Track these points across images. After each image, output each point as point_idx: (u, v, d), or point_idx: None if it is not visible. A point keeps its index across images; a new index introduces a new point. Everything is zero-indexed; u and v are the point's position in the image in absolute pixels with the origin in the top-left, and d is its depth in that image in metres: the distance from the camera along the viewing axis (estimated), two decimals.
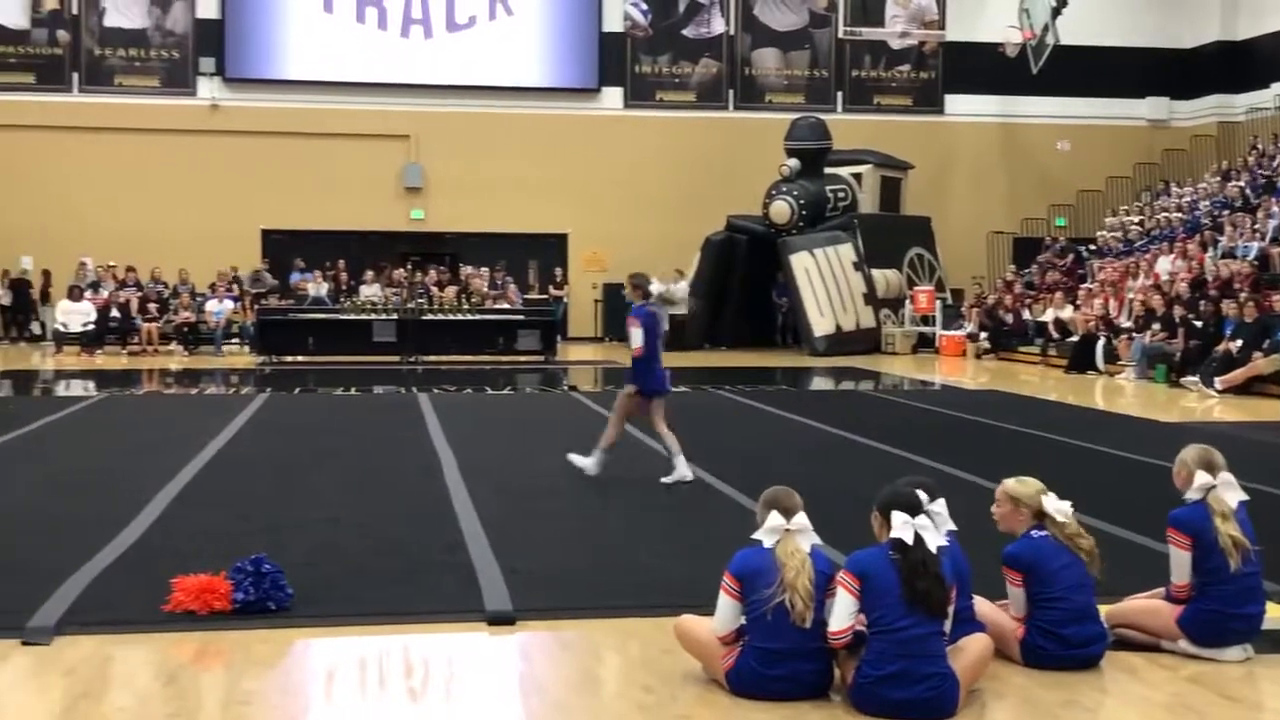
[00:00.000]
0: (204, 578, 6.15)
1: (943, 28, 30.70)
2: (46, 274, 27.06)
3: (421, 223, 29.31)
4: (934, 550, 4.89)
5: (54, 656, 5.52)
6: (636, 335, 9.87)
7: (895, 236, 27.40)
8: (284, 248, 28.31)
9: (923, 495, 5.07)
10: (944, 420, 14.62)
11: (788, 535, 5.05)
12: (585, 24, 29.68)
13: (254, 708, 5.00)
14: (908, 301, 26.62)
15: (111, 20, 28.31)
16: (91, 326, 24.63)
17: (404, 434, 12.83)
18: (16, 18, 27.98)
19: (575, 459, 10.04)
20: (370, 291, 26.11)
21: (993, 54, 29.55)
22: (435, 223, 29.31)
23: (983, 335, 25.06)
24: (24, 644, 5.64)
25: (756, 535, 5.10)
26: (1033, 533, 5.51)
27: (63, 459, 11.09)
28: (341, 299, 25.72)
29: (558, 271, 29.45)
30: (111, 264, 26.59)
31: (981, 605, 5.44)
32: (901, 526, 4.91)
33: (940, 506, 5.12)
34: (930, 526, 4.96)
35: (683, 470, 9.76)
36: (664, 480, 9.71)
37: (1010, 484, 5.63)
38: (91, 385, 18.64)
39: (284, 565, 6.28)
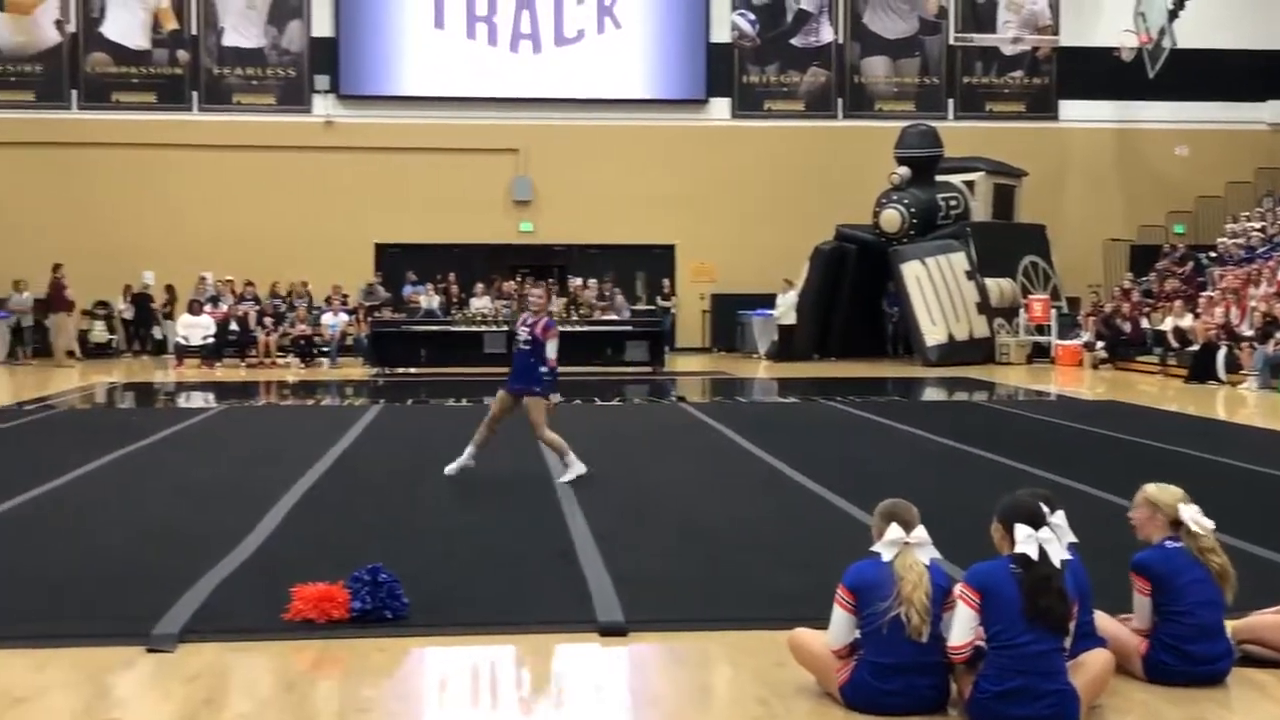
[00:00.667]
0: (322, 587, 6.23)
1: (1056, 32, 30.27)
2: (169, 288, 27.71)
3: (530, 235, 29.54)
4: (1058, 564, 4.80)
5: (177, 663, 5.63)
6: (555, 346, 10.23)
7: (1009, 244, 27.00)
8: (396, 261, 28.70)
9: (1045, 508, 4.98)
10: (1060, 431, 14.37)
11: (906, 548, 4.98)
12: (693, 35, 29.72)
13: (371, 715, 5.06)
14: (1022, 310, 26.21)
15: (230, 40, 28.96)
16: (211, 340, 25.17)
17: (515, 444, 12.89)
18: (138, 39, 28.74)
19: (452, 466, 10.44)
20: (480, 304, 26.36)
21: (1108, 58, 29.03)
22: (544, 235, 29.52)
23: (1099, 344, 24.61)
24: (149, 651, 5.75)
25: (875, 548, 5.03)
26: (1167, 542, 5.38)
27: (185, 470, 11.31)
28: (452, 311, 26.00)
29: (665, 282, 29.48)
30: (230, 278, 27.15)
31: (1102, 620, 5.33)
32: (1025, 540, 4.81)
33: (1060, 519, 5.02)
34: (1053, 539, 4.87)
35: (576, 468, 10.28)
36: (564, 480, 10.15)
37: (1150, 489, 5.51)
38: (211, 397, 19.03)
39: (400, 574, 6.34)
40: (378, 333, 24.19)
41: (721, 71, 29.81)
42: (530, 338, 10.23)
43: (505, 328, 23.47)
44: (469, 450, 10.40)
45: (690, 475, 10.99)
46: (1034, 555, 4.79)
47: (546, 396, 10.25)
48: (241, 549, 7.71)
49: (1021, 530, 4.84)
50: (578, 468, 10.23)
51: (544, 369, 10.16)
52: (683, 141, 29.37)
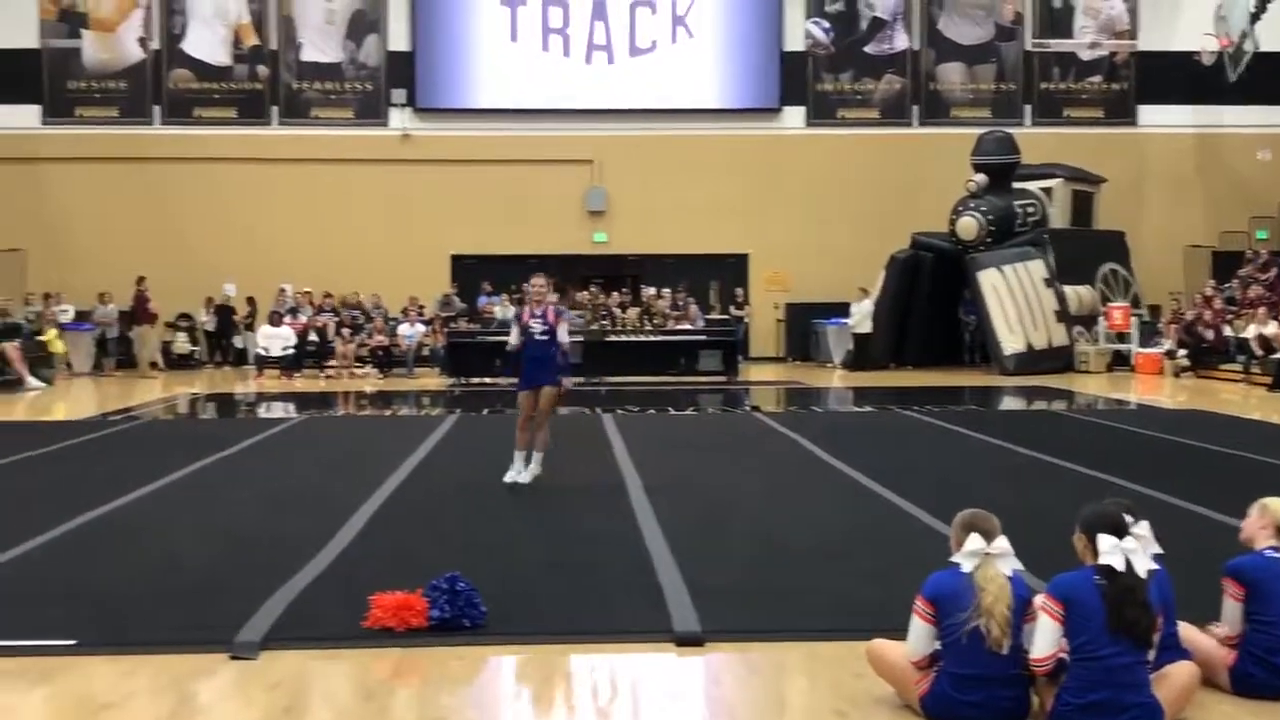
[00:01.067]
0: (401, 595, 6.28)
1: (1134, 37, 29.89)
2: (250, 300, 28.11)
3: (604, 245, 29.62)
4: (1143, 575, 4.73)
5: (259, 670, 5.71)
6: (566, 330, 10.64)
7: (1088, 251, 26.69)
8: (472, 272, 28.89)
9: (1129, 518, 4.91)
10: (1142, 441, 14.17)
11: (987, 559, 4.93)
12: (766, 44, 29.68)
13: None
14: (1102, 318, 25.88)
15: (308, 55, 29.34)
16: (291, 351, 25.49)
17: (590, 454, 12.95)
18: (219, 55, 29.20)
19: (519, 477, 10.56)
20: None
21: (1188, 62, 28.62)
22: (618, 245, 29.59)
23: (1181, 352, 24.24)
24: (232, 658, 5.84)
25: (955, 558, 4.99)
26: (1267, 550, 5.29)
27: (265, 479, 11.46)
28: None
29: (739, 291, 29.43)
30: (308, 290, 27.48)
31: (1187, 631, 5.25)
32: (1110, 551, 4.75)
33: (1145, 529, 4.95)
34: (1138, 549, 4.80)
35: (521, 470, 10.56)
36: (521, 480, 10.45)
37: (1270, 499, 5.46)
38: (291, 407, 19.26)
39: (477, 583, 6.39)
40: (453, 343, 24.38)
41: (795, 80, 29.73)
42: (546, 327, 10.34)
43: (579, 338, 23.65)
44: (517, 457, 10.57)
45: (765, 485, 10.95)
46: (1119, 566, 4.72)
47: (560, 383, 10.47)
48: (321, 557, 7.80)
49: (1106, 541, 4.77)
50: (535, 470, 10.52)
51: (561, 356, 10.40)
52: (756, 150, 29.33)
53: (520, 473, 10.50)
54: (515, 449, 10.59)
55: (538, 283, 10.67)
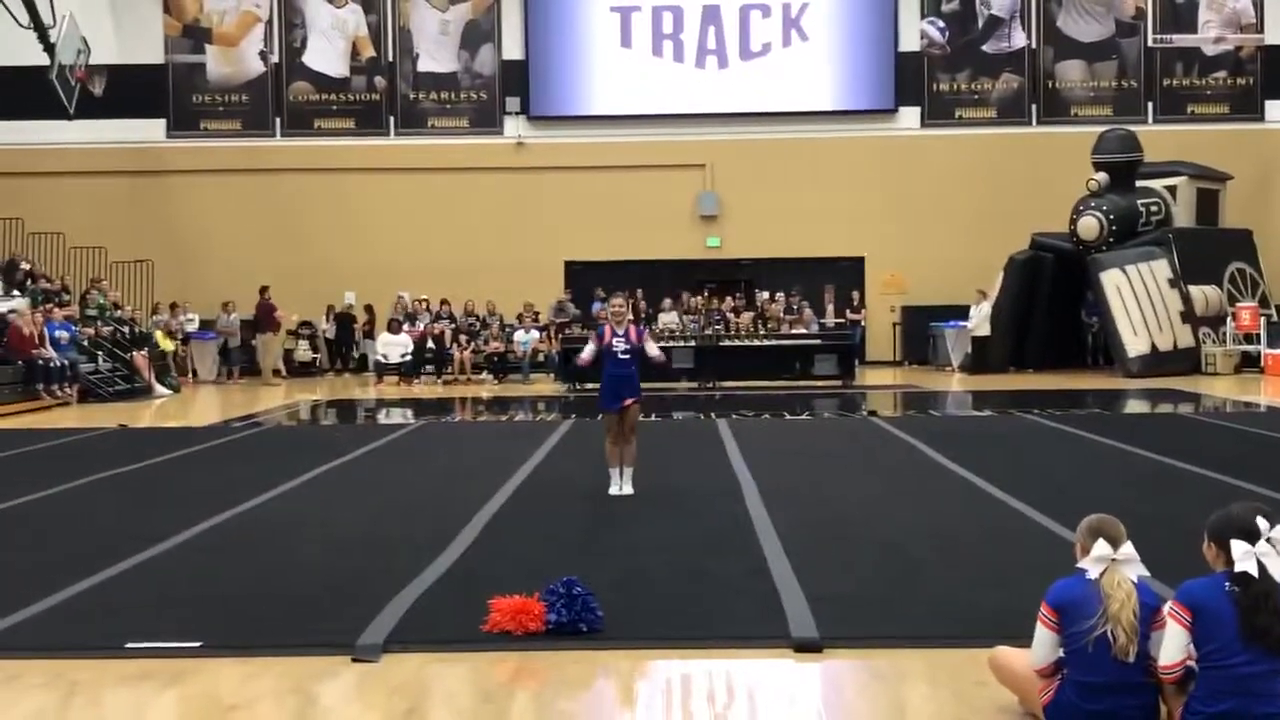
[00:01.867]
0: (519, 599, 6.32)
1: (1260, 30, 29.11)
2: (368, 308, 28.55)
3: (717, 250, 29.58)
4: (1279, 580, 4.58)
5: (381, 673, 5.77)
6: (653, 343, 10.72)
7: (1214, 251, 26.04)
8: (585, 278, 29.03)
9: (1262, 522, 4.75)
10: (1272, 444, 13.77)
11: (1114, 565, 4.81)
12: (881, 45, 29.43)
13: None
14: (1229, 319, 25.24)
15: (424, 65, 29.74)
16: (409, 357, 25.84)
17: (705, 459, 12.93)
18: (338, 67, 29.73)
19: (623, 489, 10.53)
20: (668, 319, 26.50)
21: None
22: (731, 250, 29.53)
23: None
24: (354, 660, 5.91)
25: (1080, 564, 4.87)
26: None
27: (385, 484, 11.62)
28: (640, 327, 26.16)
29: (855, 295, 29.20)
30: (425, 297, 27.83)
31: None
32: (1243, 557, 4.60)
33: (1278, 533, 4.79)
34: (1273, 554, 4.65)
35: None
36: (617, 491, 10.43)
37: None
38: (409, 413, 19.50)
39: (593, 587, 6.40)
40: (568, 349, 24.48)
41: (911, 80, 29.44)
42: (629, 347, 10.31)
43: (693, 342, 23.66)
44: (613, 475, 10.53)
45: (883, 490, 10.84)
46: (1253, 571, 4.58)
47: (638, 397, 10.47)
48: (441, 561, 7.87)
49: (1239, 546, 4.63)
50: (628, 490, 10.42)
51: (655, 368, 10.65)
52: (871, 152, 29.10)
53: (621, 486, 10.50)
54: (609, 466, 10.60)
55: (617, 303, 10.66)
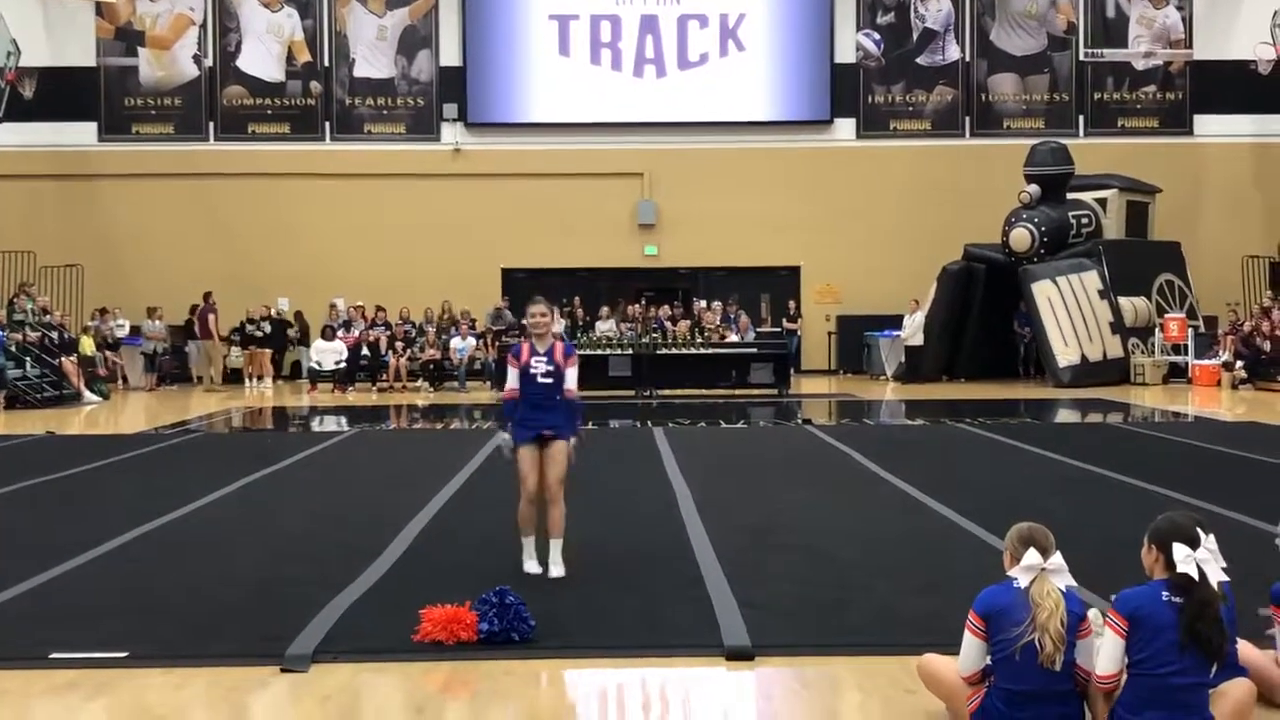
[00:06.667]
0: (451, 608, 6.30)
1: (1190, 46, 29.59)
2: (298, 315, 28.31)
3: (655, 259, 29.62)
4: (1216, 586, 4.66)
5: (311, 683, 5.73)
6: (575, 374, 8.01)
7: (1143, 262, 26.42)
8: (523, 286, 28.95)
9: (1200, 532, 4.83)
10: (1199, 454, 13.99)
11: (1043, 574, 4.86)
12: (817, 56, 29.60)
13: None
14: (1158, 330, 25.61)
15: (361, 71, 29.56)
16: (343, 364, 25.66)
17: (640, 468, 12.95)
18: (273, 71, 29.47)
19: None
20: (606, 327, 26.51)
21: (1244, 71, 28.34)
22: (668, 258, 29.59)
23: (1239, 364, 23.95)
24: (283, 670, 5.87)
25: (1012, 572, 4.93)
26: None
27: (318, 492, 11.54)
28: (578, 335, 26.16)
29: (791, 304, 29.36)
30: (360, 304, 27.65)
31: (1244, 648, 5.16)
32: (1185, 560, 4.67)
33: (1213, 543, 4.87)
34: (1211, 560, 4.73)
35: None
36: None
37: None
38: (344, 421, 19.37)
39: (526, 596, 6.40)
40: (505, 357, 24.41)
41: (846, 92, 29.64)
42: (551, 369, 7.84)
43: (630, 351, 23.66)
44: (526, 543, 7.88)
45: (817, 499, 10.90)
46: (1194, 575, 4.66)
47: (572, 436, 7.94)
48: (372, 571, 7.83)
49: (1180, 550, 4.70)
50: (557, 567, 7.70)
51: (571, 404, 7.91)
52: (808, 163, 29.27)
53: (536, 561, 7.80)
54: (521, 533, 7.89)
55: (538, 311, 8.03)
